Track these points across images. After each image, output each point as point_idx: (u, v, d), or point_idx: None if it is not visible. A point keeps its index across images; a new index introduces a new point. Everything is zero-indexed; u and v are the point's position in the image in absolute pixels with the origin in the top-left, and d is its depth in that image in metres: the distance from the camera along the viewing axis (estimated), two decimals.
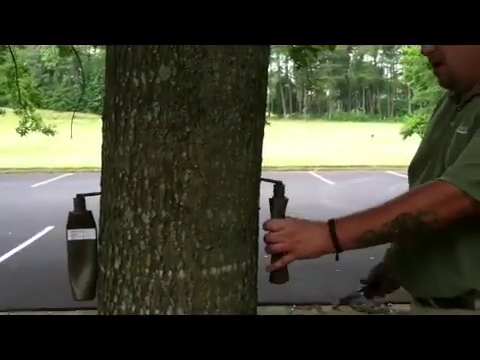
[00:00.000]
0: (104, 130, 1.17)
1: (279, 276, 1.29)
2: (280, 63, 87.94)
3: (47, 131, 10.96)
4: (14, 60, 8.72)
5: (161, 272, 1.11)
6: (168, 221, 1.10)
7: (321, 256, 1.26)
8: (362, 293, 1.69)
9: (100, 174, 1.20)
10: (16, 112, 10.85)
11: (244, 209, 1.17)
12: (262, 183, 1.26)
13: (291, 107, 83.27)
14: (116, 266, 1.15)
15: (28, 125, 10.68)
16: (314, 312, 4.71)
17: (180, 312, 1.12)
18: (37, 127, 10.75)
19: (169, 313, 1.12)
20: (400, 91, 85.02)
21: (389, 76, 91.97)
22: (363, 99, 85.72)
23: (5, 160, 18.06)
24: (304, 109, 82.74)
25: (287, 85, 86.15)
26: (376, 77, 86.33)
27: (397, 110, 78.06)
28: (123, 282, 1.14)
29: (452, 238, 1.35)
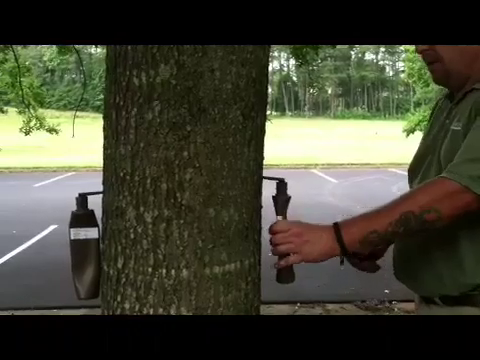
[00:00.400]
0: (105, 129, 1.17)
1: (286, 276, 1.30)
2: (282, 61, 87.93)
3: (51, 130, 10.97)
4: (16, 60, 8.74)
5: (164, 271, 1.11)
6: (170, 220, 1.10)
7: (327, 259, 1.26)
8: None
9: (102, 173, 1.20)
10: (19, 112, 10.86)
11: (246, 207, 1.17)
12: (265, 181, 1.26)
13: (293, 105, 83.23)
14: (119, 265, 1.15)
15: (32, 124, 10.68)
16: (318, 310, 4.71)
17: (183, 311, 1.12)
18: (41, 126, 10.75)
19: (172, 312, 1.12)
20: (402, 89, 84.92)
21: (391, 74, 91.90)
22: (365, 97, 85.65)
23: (8, 159, 18.11)
24: (306, 107, 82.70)
25: (289, 83, 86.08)
26: (378, 75, 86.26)
27: (399, 108, 78.00)
28: (126, 281, 1.14)
29: (455, 235, 1.35)
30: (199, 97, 1.08)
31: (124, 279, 1.14)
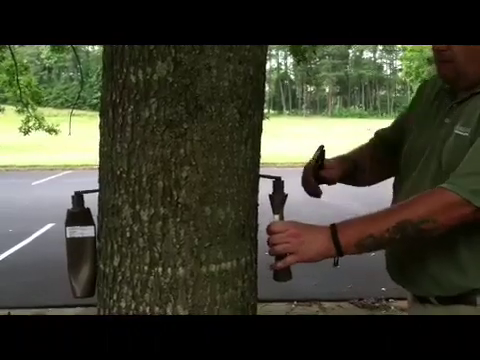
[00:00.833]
0: (101, 127, 1.17)
1: (282, 275, 1.30)
2: (279, 59, 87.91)
3: (50, 130, 10.92)
4: (14, 58, 8.70)
5: (160, 269, 1.11)
6: (167, 218, 1.10)
7: (322, 260, 1.27)
8: None
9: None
10: (18, 111, 10.82)
11: (243, 205, 1.16)
12: (262, 180, 1.26)
13: (290, 104, 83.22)
14: (115, 263, 1.15)
15: (31, 124, 10.64)
16: (315, 308, 4.71)
17: (180, 309, 1.12)
18: (40, 126, 10.70)
19: (169, 310, 1.12)
20: (399, 87, 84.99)
21: (388, 72, 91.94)
22: (362, 95, 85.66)
23: (5, 157, 18.08)
24: (304, 106, 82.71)
25: (286, 82, 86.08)
26: (375, 73, 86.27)
27: (397, 106, 77.97)
28: (122, 279, 1.14)
29: (453, 238, 1.35)
30: (196, 95, 1.08)
31: (120, 277, 1.14)
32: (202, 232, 1.11)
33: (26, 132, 10.72)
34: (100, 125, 1.17)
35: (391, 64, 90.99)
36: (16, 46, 9.61)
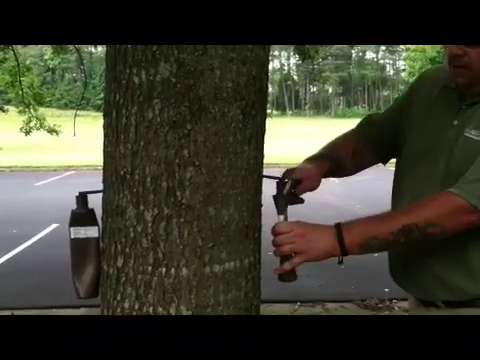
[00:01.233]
0: (105, 128, 1.17)
1: (288, 275, 1.30)
2: (282, 60, 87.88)
3: (51, 130, 10.93)
4: (16, 59, 8.72)
5: (164, 270, 1.11)
6: (170, 219, 1.10)
7: (327, 258, 1.27)
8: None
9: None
10: (19, 112, 10.85)
11: (246, 206, 1.16)
12: (266, 180, 1.26)
13: (294, 104, 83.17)
14: (119, 264, 1.15)
15: (32, 124, 10.66)
16: (318, 309, 4.70)
17: (183, 309, 1.12)
18: (41, 127, 10.72)
19: (172, 310, 1.12)
20: (403, 87, 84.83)
21: (391, 73, 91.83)
22: (366, 96, 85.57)
23: (9, 158, 18.10)
24: (307, 106, 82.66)
25: (289, 82, 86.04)
26: (378, 74, 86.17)
27: None
28: (126, 280, 1.14)
29: (463, 243, 1.34)
30: (199, 95, 1.08)
31: (124, 278, 1.14)
32: (206, 232, 1.11)
33: (27, 132, 10.74)
34: (104, 126, 1.17)
35: (394, 64, 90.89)
36: (19, 47, 9.61)
